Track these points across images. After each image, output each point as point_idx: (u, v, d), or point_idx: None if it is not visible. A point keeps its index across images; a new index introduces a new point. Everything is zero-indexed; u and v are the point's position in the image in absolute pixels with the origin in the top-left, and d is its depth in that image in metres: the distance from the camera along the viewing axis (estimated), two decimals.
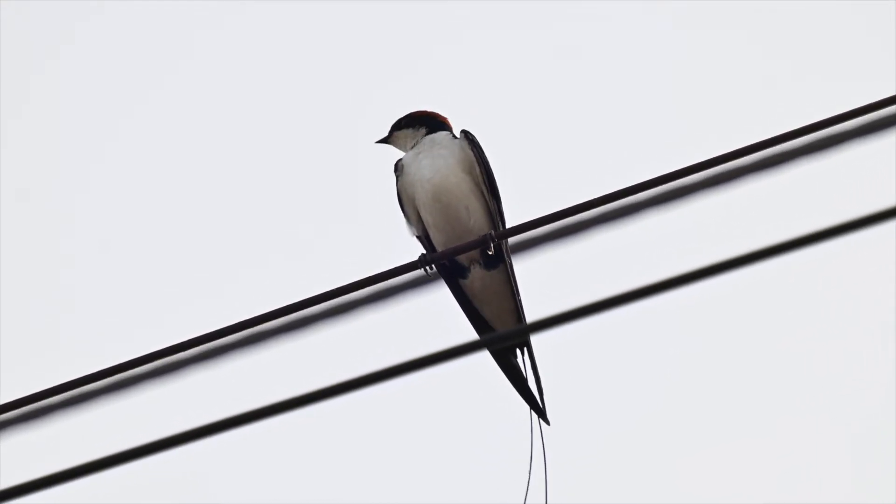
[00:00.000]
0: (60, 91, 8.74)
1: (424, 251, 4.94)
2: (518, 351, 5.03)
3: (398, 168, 5.04)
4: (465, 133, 5.01)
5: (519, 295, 4.96)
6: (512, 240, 4.64)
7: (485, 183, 4.95)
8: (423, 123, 5.17)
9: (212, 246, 8.23)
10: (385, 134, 5.23)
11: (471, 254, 4.92)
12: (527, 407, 5.03)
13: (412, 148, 5.09)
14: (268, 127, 8.55)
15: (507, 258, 4.92)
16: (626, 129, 8.17)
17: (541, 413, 5.01)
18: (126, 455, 2.45)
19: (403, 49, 8.46)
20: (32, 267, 8.35)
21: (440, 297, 4.96)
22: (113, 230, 8.46)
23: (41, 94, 8.73)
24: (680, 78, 8.40)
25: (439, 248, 4.91)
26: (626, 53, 8.51)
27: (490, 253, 4.89)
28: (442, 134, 5.08)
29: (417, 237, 5.01)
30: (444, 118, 5.19)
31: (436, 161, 4.97)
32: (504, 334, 4.76)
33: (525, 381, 5.02)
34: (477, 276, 4.96)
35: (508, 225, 4.93)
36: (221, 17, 8.78)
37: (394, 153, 5.16)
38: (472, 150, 4.97)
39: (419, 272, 4.54)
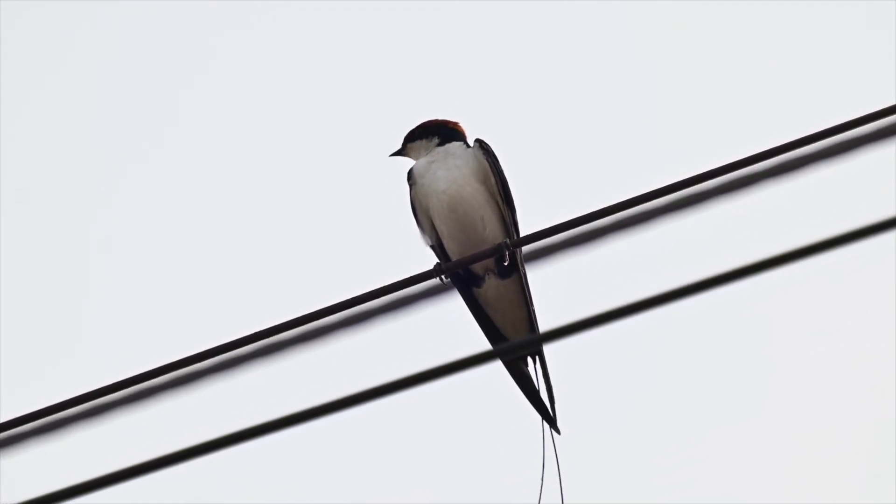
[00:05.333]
0: (70, 102, 8.74)
1: (438, 260, 4.91)
2: (530, 360, 4.99)
3: (411, 177, 5.00)
4: (480, 142, 4.96)
5: (532, 304, 4.93)
6: (526, 248, 4.63)
7: (500, 193, 4.90)
8: (436, 133, 5.09)
9: (227, 256, 8.23)
10: (399, 147, 5.17)
11: (485, 262, 4.89)
12: (538, 416, 5.00)
13: (425, 157, 5.03)
14: (283, 138, 8.56)
15: (521, 267, 4.89)
16: (638, 136, 8.16)
17: (552, 422, 4.98)
18: (142, 468, 2.45)
19: (416, 58, 8.46)
20: (49, 278, 8.36)
21: (455, 306, 4.95)
22: (130, 241, 8.46)
23: (45, 104, 8.74)
24: (695, 84, 8.39)
25: (454, 258, 4.87)
26: (643, 60, 8.50)
27: (505, 263, 4.86)
28: (455, 144, 5.02)
29: (431, 246, 4.97)
30: (457, 125, 5.12)
31: (450, 172, 4.91)
32: (518, 343, 4.74)
33: (536, 390, 4.99)
34: (491, 285, 4.92)
35: (522, 234, 4.90)
36: (225, 30, 8.79)
37: (408, 162, 5.12)
38: (487, 160, 4.92)
39: (434, 281, 4.52)
